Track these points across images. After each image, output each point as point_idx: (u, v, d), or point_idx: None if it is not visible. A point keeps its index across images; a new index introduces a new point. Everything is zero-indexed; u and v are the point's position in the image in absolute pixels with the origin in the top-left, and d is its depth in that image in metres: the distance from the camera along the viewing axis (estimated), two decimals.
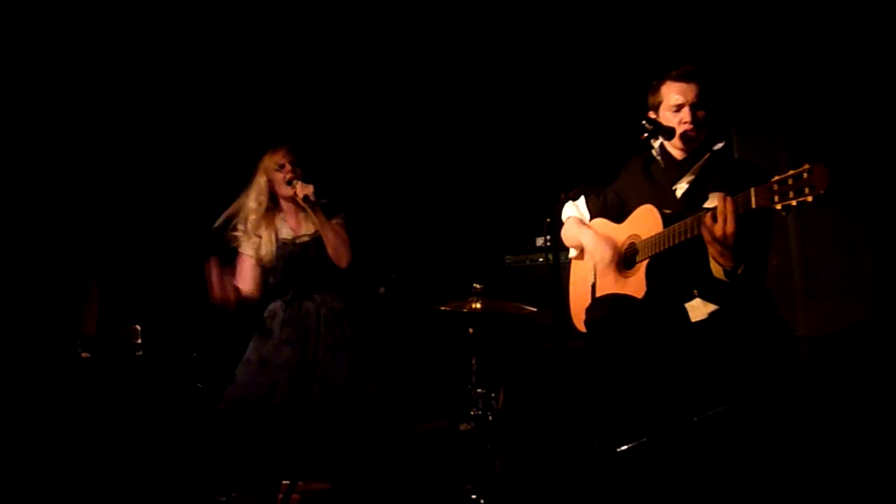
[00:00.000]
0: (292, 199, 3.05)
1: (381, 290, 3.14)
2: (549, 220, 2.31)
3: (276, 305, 3.04)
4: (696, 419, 2.30)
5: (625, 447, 2.34)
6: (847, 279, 3.38)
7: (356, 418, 2.85)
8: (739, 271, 2.20)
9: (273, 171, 3.08)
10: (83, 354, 3.43)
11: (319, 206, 3.00)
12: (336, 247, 2.99)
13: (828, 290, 3.41)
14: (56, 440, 3.19)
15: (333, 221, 3.06)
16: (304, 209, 3.04)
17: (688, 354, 2.35)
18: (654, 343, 2.35)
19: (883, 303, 3.28)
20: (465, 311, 2.98)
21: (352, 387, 2.87)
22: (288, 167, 3.06)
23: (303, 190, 2.97)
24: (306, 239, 3.07)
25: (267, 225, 3.08)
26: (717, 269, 2.25)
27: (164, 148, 4.07)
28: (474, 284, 3.00)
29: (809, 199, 1.92)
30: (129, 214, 3.99)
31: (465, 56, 4.18)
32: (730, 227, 2.12)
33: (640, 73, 2.71)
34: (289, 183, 3.01)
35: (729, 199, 2.13)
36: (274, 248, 3.05)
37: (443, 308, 3.03)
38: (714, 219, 2.14)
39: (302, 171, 3.07)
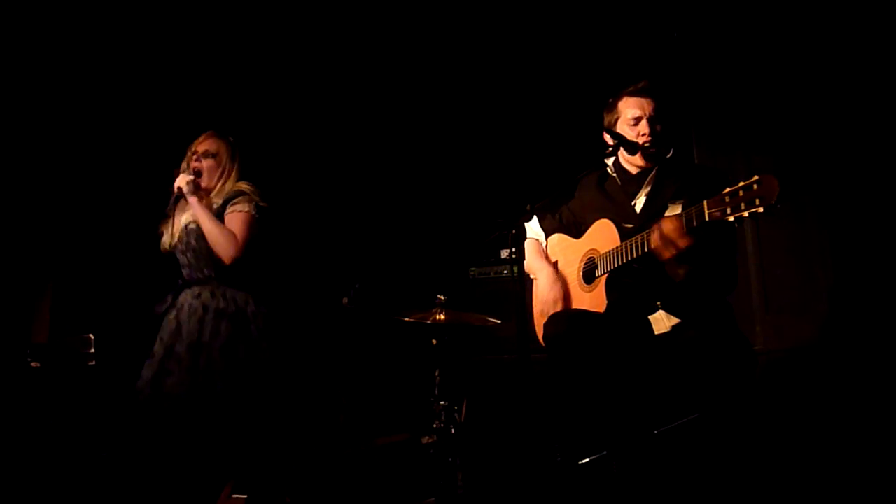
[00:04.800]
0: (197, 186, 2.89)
1: (345, 300, 3.08)
2: (514, 231, 2.31)
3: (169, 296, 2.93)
4: (656, 432, 2.31)
5: (586, 460, 2.34)
6: (803, 295, 3.46)
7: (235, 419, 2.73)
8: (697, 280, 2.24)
9: (188, 157, 2.95)
10: (33, 364, 3.32)
11: (227, 198, 2.86)
12: (214, 240, 2.78)
13: (785, 305, 3.48)
14: (4, 453, 3.08)
15: (232, 209, 2.85)
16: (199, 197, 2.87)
17: (650, 367, 2.36)
18: (616, 356, 2.36)
19: (838, 317, 3.36)
20: (428, 322, 2.96)
21: (245, 387, 2.73)
22: (197, 154, 2.92)
23: (179, 180, 2.84)
24: (193, 225, 2.88)
25: (179, 211, 2.91)
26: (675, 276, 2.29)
27: (118, 152, 3.98)
28: (438, 296, 2.98)
29: (760, 209, 1.97)
30: (81, 219, 3.88)
31: (430, 68, 4.19)
32: (681, 245, 2.16)
33: (604, 88, 2.74)
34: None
35: (672, 219, 2.16)
36: (172, 235, 2.90)
37: (406, 319, 3.00)
38: (661, 240, 2.18)
39: (218, 157, 2.92)
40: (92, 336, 3.41)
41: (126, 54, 3.94)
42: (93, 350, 3.40)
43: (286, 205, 4.04)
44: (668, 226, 2.18)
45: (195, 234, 2.85)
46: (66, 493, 3.04)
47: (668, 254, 2.20)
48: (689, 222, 2.15)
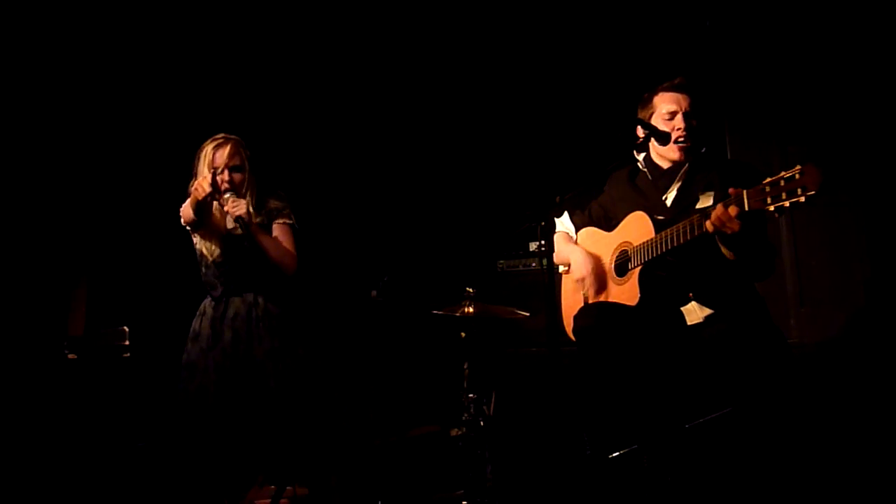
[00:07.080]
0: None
1: (373, 293, 3.09)
2: (542, 223, 2.29)
3: (206, 303, 2.89)
4: (688, 426, 2.29)
5: (617, 454, 2.33)
6: (839, 287, 3.40)
7: (302, 420, 2.79)
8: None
9: (212, 169, 2.79)
10: (70, 356, 3.39)
11: (266, 212, 2.85)
12: (278, 258, 2.82)
13: (820, 297, 3.42)
14: (42, 442, 3.15)
15: (277, 223, 2.89)
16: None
17: (682, 359, 2.34)
18: (648, 348, 2.34)
19: (874, 310, 3.29)
20: (457, 315, 2.96)
21: (291, 389, 2.78)
22: (223, 169, 2.79)
23: (234, 210, 2.73)
24: (233, 237, 2.84)
25: (218, 223, 2.84)
26: (727, 253, 2.24)
27: (153, 146, 4.03)
28: (467, 288, 2.98)
29: (802, 199, 1.92)
30: (117, 214, 3.95)
31: (460, 60, 4.18)
32: (736, 226, 2.11)
33: (635, 79, 2.71)
34: (224, 192, 2.78)
35: (732, 207, 2.11)
36: (212, 250, 2.83)
37: (435, 312, 3.01)
38: (725, 205, 2.12)
39: (245, 171, 2.82)
40: (126, 329, 3.47)
41: (158, 51, 3.99)
42: (127, 342, 3.46)
43: (315, 198, 4.09)
44: (720, 209, 2.13)
45: (238, 246, 2.82)
46: (102, 482, 3.10)
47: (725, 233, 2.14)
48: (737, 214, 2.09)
